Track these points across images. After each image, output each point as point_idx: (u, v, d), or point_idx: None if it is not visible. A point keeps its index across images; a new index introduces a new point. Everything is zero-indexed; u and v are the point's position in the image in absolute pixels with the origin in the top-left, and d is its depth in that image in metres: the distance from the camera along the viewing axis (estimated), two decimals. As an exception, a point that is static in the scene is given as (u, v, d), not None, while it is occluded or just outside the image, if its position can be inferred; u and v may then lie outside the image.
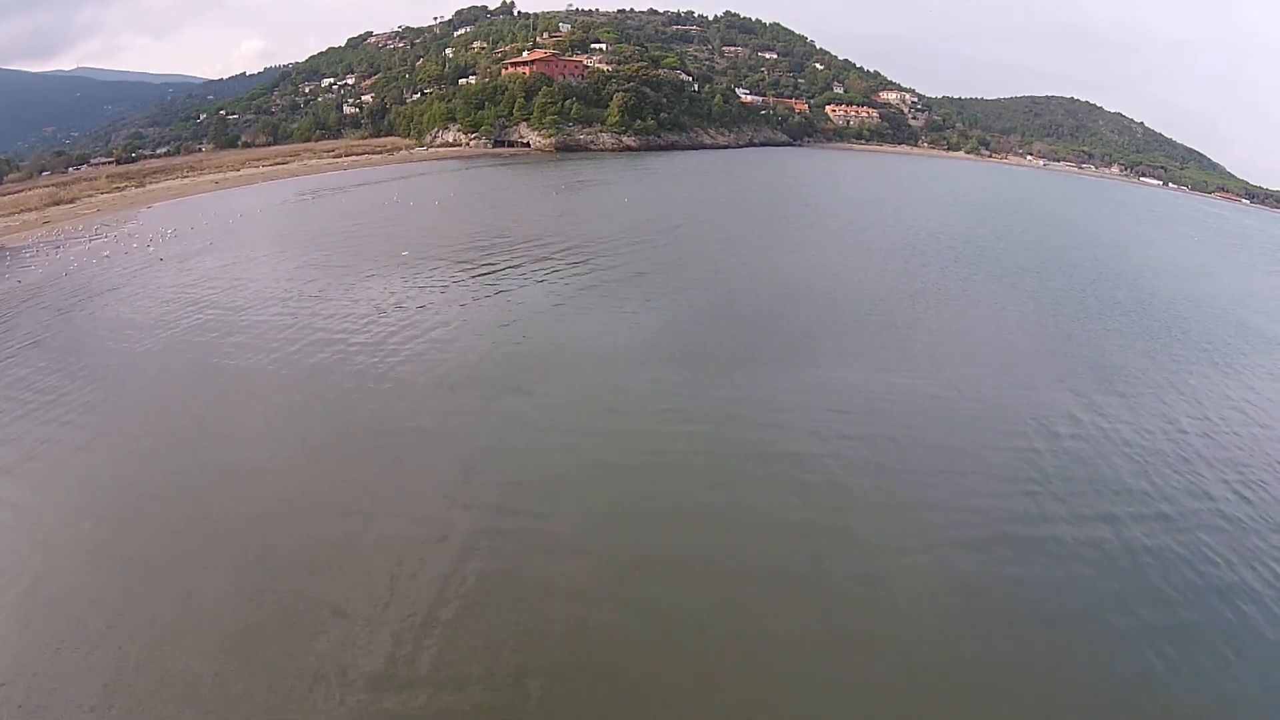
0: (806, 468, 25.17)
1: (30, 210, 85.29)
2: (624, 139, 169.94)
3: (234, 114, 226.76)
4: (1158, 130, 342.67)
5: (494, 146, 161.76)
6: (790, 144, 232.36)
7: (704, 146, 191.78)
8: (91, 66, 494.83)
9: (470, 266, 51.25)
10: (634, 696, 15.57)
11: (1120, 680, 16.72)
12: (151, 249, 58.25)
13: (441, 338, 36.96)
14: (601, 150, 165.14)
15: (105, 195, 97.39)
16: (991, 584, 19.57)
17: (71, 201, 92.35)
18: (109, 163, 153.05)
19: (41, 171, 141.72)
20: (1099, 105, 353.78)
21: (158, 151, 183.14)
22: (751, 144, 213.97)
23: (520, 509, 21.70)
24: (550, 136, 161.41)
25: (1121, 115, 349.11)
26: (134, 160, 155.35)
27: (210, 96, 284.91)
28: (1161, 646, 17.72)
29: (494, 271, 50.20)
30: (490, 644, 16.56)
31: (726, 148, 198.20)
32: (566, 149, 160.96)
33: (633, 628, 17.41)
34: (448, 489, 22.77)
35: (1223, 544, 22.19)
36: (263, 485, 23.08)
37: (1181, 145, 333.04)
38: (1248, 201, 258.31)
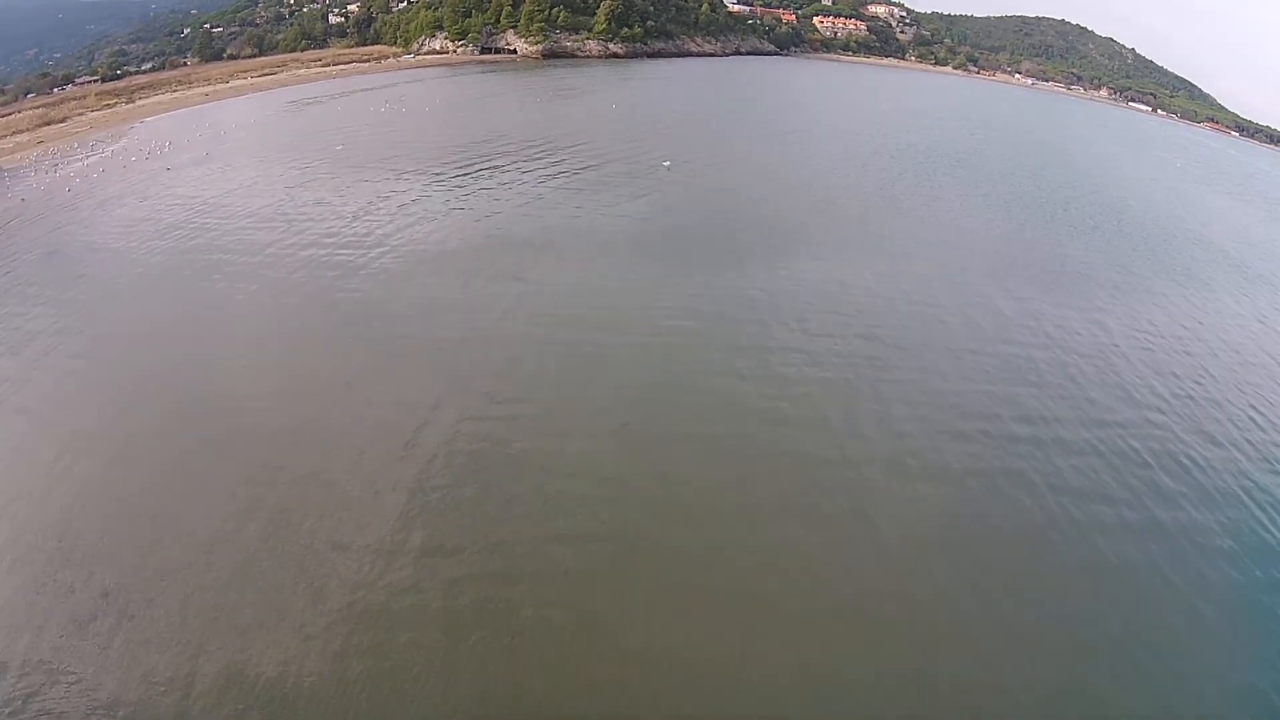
0: (775, 359, 27.92)
1: (22, 132, 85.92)
2: (610, 46, 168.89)
3: (218, 27, 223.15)
4: (1149, 58, 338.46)
5: (481, 54, 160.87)
6: (777, 54, 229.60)
7: (690, 54, 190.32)
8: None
9: (464, 168, 53.68)
10: (606, 561, 17.68)
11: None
12: (150, 161, 60.17)
13: (435, 235, 39.62)
14: (588, 57, 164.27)
15: (96, 113, 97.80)
16: (938, 463, 22.50)
17: (63, 121, 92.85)
18: (94, 81, 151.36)
19: (27, 94, 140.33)
20: (1090, 29, 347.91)
21: (143, 68, 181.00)
22: (738, 53, 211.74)
23: (505, 393, 24.04)
24: (537, 44, 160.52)
25: (1113, 40, 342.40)
26: (119, 78, 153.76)
27: (194, 11, 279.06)
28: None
29: (487, 173, 52.65)
30: (474, 516, 18.67)
31: (713, 56, 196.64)
32: (553, 56, 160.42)
33: (608, 502, 19.51)
34: (438, 374, 25.12)
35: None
36: (259, 373, 25.32)
37: (1172, 74, 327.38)
38: (1237, 134, 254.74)
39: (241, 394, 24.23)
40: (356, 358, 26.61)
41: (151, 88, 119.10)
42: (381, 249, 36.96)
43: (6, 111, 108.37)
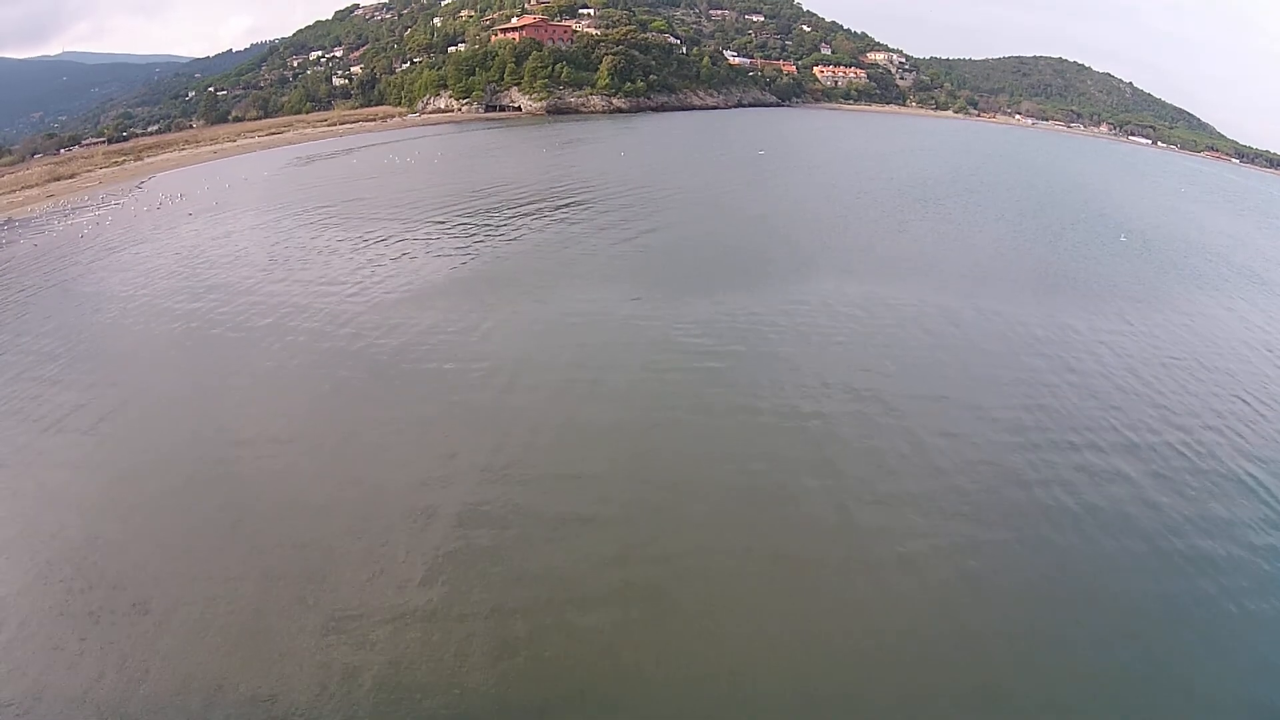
0: (796, 393, 26.62)
1: (32, 187, 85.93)
2: (614, 101, 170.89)
3: (223, 90, 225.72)
4: (1146, 90, 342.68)
5: (486, 111, 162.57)
6: (779, 104, 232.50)
7: (693, 107, 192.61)
8: (77, 50, 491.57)
9: (475, 215, 52.94)
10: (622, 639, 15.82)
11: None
12: (161, 212, 59.66)
13: (446, 278, 38.49)
14: (592, 112, 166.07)
15: (105, 169, 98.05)
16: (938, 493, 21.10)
17: (72, 177, 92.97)
18: (100, 142, 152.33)
19: (33, 154, 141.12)
20: (1087, 65, 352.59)
21: (148, 130, 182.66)
22: (740, 105, 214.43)
23: (516, 457, 21.95)
24: (541, 100, 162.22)
25: (1110, 75, 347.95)
26: (125, 139, 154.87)
27: (197, 74, 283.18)
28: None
29: (501, 215, 52.00)
30: (487, 589, 16.92)
31: (715, 108, 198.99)
32: (558, 112, 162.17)
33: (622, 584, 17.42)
34: (448, 436, 23.28)
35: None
36: (263, 437, 23.48)
37: (1170, 105, 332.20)
38: (1237, 161, 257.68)
39: (244, 459, 22.78)
40: (364, 404, 25.03)
41: (159, 148, 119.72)
42: (388, 294, 35.47)
43: (14, 170, 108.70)
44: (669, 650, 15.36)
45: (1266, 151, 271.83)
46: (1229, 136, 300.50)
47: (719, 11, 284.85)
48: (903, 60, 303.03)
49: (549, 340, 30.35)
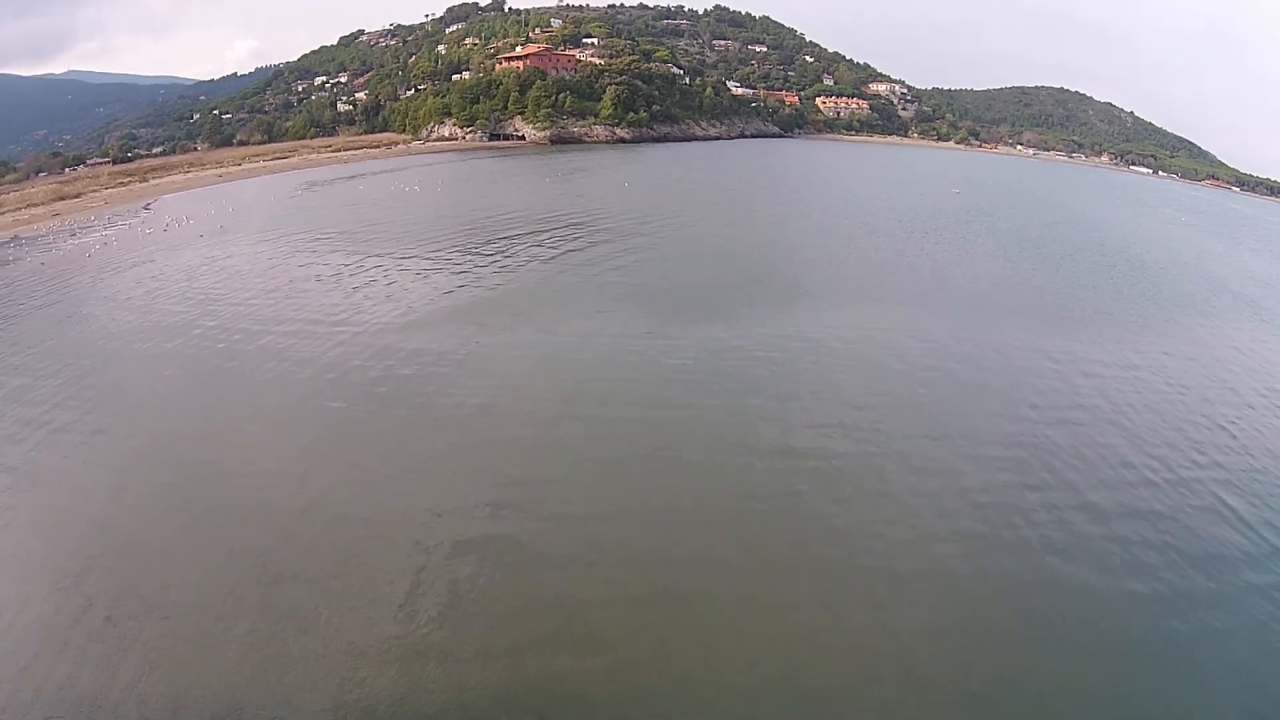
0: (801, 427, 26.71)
1: (37, 205, 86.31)
2: (617, 131, 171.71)
3: (228, 113, 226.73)
4: (1147, 119, 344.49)
5: (489, 140, 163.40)
6: (781, 135, 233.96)
7: (696, 138, 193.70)
8: (82, 69, 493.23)
9: (477, 243, 52.94)
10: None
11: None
12: (167, 234, 59.77)
13: (447, 305, 38.34)
14: (595, 142, 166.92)
15: (110, 190, 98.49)
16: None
17: (77, 196, 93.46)
18: (105, 163, 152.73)
19: (38, 172, 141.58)
20: (1088, 95, 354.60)
21: (153, 151, 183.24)
22: (743, 135, 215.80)
23: (515, 486, 21.72)
24: (545, 129, 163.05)
25: (1111, 105, 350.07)
26: (130, 160, 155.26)
27: (202, 96, 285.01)
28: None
29: (501, 246, 51.85)
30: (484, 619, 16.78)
31: (718, 139, 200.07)
32: (561, 141, 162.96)
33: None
34: (445, 464, 23.09)
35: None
36: (263, 459, 23.33)
37: (1171, 134, 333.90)
38: (1238, 189, 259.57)
39: (243, 459, 23.00)
40: (361, 431, 24.88)
41: (164, 169, 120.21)
42: (390, 321, 35.15)
43: (19, 189, 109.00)
44: (668, 680, 15.29)
45: (1267, 179, 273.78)
46: (1229, 165, 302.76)
47: (722, 42, 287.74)
48: (905, 91, 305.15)
49: (547, 370, 30.23)
